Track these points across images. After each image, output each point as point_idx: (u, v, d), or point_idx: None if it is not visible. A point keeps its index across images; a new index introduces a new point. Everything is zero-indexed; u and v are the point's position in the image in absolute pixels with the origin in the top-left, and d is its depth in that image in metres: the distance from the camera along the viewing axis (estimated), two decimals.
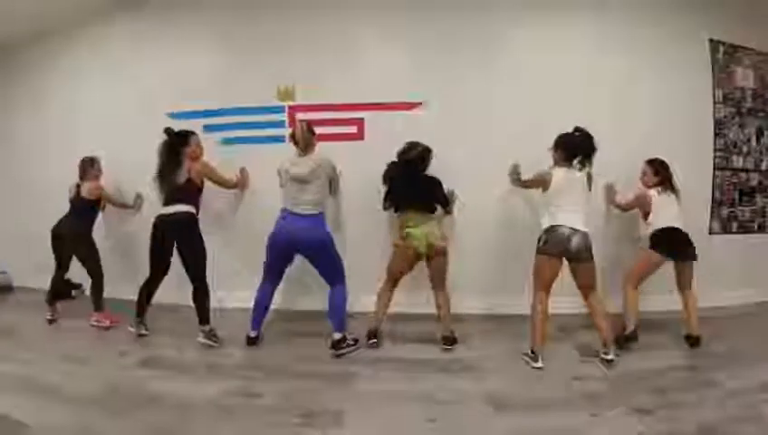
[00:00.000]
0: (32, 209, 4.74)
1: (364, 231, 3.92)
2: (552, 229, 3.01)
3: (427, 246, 3.24)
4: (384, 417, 2.44)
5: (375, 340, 3.34)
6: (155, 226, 3.38)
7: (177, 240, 3.36)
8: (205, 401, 2.59)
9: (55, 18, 4.56)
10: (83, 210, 3.91)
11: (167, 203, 3.37)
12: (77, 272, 4.05)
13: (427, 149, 3.41)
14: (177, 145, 3.42)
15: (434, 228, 3.27)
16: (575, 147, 3.12)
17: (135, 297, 3.56)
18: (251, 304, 3.37)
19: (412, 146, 3.40)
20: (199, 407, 2.53)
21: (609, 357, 2.98)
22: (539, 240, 3.06)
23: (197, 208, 3.46)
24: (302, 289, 3.97)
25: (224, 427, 2.35)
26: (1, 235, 5.00)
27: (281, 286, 3.46)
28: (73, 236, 3.85)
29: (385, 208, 3.53)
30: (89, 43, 4.65)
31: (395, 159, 3.43)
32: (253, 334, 3.32)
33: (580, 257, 2.99)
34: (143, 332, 3.52)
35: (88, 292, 3.96)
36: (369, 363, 3.09)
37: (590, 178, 3.14)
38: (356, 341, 3.26)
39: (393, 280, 3.42)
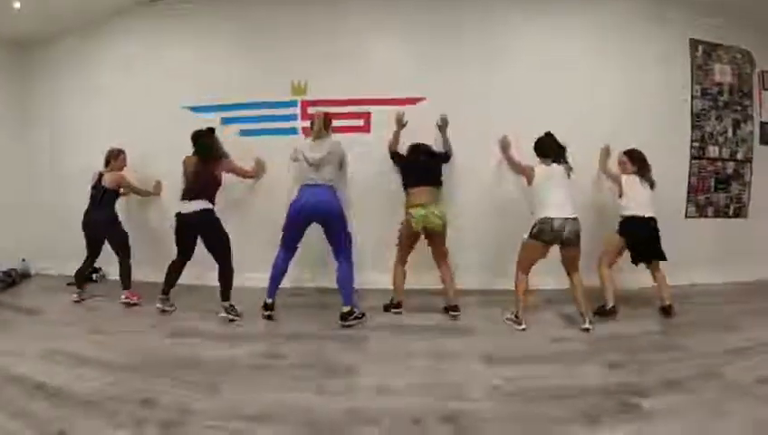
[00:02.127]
0: (51, 199, 5.01)
1: (371, 215, 4.23)
2: (545, 220, 3.35)
3: (422, 227, 3.58)
4: (392, 368, 2.83)
5: (399, 310, 3.76)
6: (178, 221, 3.66)
7: (202, 235, 3.69)
8: (235, 361, 2.92)
9: (78, 13, 4.71)
10: (104, 198, 4.10)
11: (188, 198, 3.63)
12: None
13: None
14: (207, 145, 3.70)
15: (434, 210, 3.58)
16: (546, 148, 3.53)
17: (156, 280, 3.90)
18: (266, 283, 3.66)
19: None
20: (231, 366, 2.85)
21: (586, 326, 3.36)
22: (532, 227, 3.40)
23: (214, 201, 3.73)
24: (314, 267, 4.30)
25: (256, 381, 2.69)
26: (20, 223, 5.12)
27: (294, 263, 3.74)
28: (104, 223, 4.09)
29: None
30: (108, 38, 4.84)
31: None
32: (269, 301, 3.62)
33: (570, 242, 3.36)
34: (168, 308, 3.81)
35: (107, 275, 4.28)
36: (378, 329, 3.47)
37: (569, 168, 3.50)
38: (363, 314, 3.59)
39: (404, 252, 3.77)
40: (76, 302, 4.13)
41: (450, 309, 3.70)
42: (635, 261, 3.78)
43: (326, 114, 3.69)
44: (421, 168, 3.71)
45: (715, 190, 4.68)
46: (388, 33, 4.41)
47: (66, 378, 2.69)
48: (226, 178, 3.91)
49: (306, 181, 3.55)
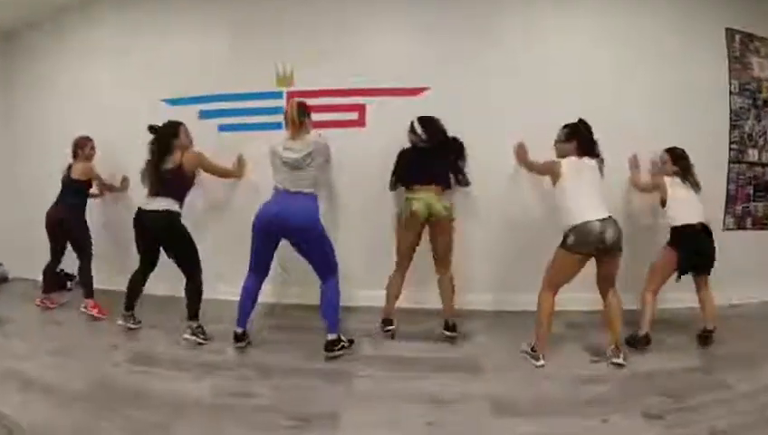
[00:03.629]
0: (28, 200, 4.64)
1: (363, 222, 3.81)
2: (582, 226, 2.79)
3: (427, 214, 3.08)
4: (380, 417, 2.34)
5: (391, 327, 3.25)
6: (136, 219, 3.26)
7: (160, 239, 3.27)
8: (194, 398, 2.49)
9: (50, 4, 4.51)
10: (74, 191, 3.87)
11: (151, 194, 3.26)
12: (71, 263, 4.03)
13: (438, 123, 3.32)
14: (165, 136, 3.30)
15: (437, 199, 3.10)
16: (581, 136, 2.99)
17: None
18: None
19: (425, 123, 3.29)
20: (189, 404, 2.43)
21: (619, 361, 2.84)
22: (565, 237, 2.85)
23: (183, 202, 3.33)
24: (299, 281, 3.80)
25: (215, 425, 2.26)
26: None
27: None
28: (66, 217, 3.80)
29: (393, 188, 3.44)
30: (83, 29, 4.57)
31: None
32: (239, 331, 3.11)
33: (614, 247, 2.81)
34: (132, 325, 3.43)
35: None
36: (366, 361, 2.97)
37: (602, 162, 2.99)
38: (351, 341, 3.11)
39: (403, 259, 3.27)
40: (38, 306, 3.93)
41: (448, 329, 3.19)
42: (680, 275, 3.26)
43: (300, 103, 3.14)
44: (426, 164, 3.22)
45: (755, 199, 4.21)
46: (386, 15, 3.95)
47: (15, 404, 2.41)
48: (205, 178, 3.57)
49: (279, 185, 3.04)
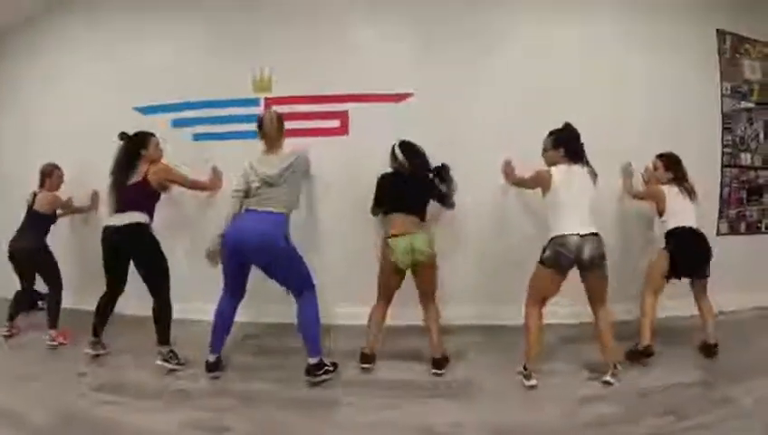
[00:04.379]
0: None
1: (344, 234, 3.70)
2: (559, 239, 2.70)
3: (410, 262, 2.91)
4: None
5: (369, 365, 3.01)
6: (104, 238, 3.11)
7: (130, 254, 3.11)
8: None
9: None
10: (37, 222, 3.77)
11: (116, 210, 3.10)
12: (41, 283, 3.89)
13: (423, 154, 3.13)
14: (133, 147, 3.16)
15: (419, 239, 2.92)
16: (568, 142, 2.86)
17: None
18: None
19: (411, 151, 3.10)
20: None
21: (609, 379, 2.72)
22: (543, 250, 2.76)
23: (151, 215, 3.18)
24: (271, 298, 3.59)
25: None
26: None
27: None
28: (30, 252, 3.70)
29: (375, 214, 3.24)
30: (55, 35, 4.47)
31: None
32: (212, 359, 2.91)
33: (593, 265, 2.71)
34: (99, 351, 3.26)
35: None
36: (351, 387, 2.79)
37: (594, 174, 2.87)
38: (335, 365, 2.92)
39: (384, 296, 3.08)
40: (5, 336, 3.72)
41: (434, 365, 2.97)
42: (677, 276, 3.19)
43: (279, 114, 3.03)
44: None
45: (747, 203, 4.18)
46: (369, 18, 3.88)
47: None
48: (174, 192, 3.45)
49: (251, 205, 2.88)
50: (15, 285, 3.82)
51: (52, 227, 3.86)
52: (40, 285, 3.91)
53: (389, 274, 2.97)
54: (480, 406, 2.57)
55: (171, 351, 3.04)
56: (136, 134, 3.20)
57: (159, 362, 2.99)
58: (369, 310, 3.08)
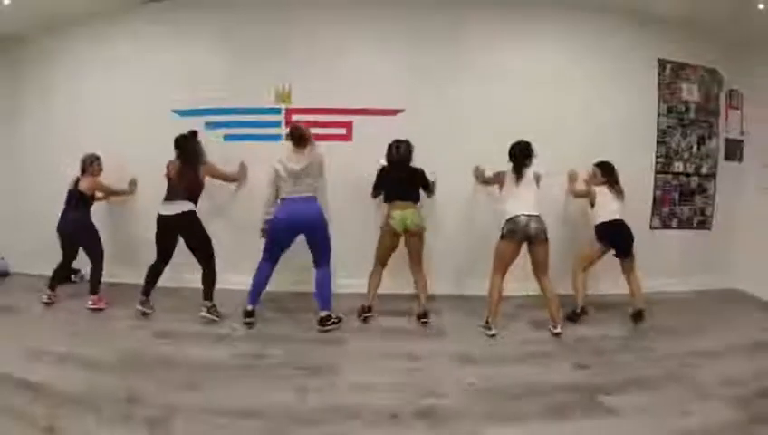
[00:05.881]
0: (31, 196, 4.97)
1: (351, 220, 4.30)
2: (512, 219, 3.50)
3: (403, 228, 3.72)
4: (370, 368, 2.96)
5: (369, 313, 3.84)
6: (160, 221, 3.70)
7: (183, 235, 3.76)
8: (217, 361, 3.00)
9: (62, 13, 4.67)
10: (80, 202, 4.12)
11: (170, 199, 3.72)
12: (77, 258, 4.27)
13: (409, 143, 3.86)
14: (187, 148, 3.79)
15: (412, 214, 3.73)
16: (515, 154, 3.67)
17: (129, 281, 4.07)
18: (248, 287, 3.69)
19: (399, 144, 3.84)
20: (214, 366, 2.94)
21: (557, 331, 3.51)
22: (502, 228, 3.56)
23: (196, 204, 3.81)
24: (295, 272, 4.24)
25: (239, 379, 2.78)
26: (1, 220, 5.12)
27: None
28: (78, 229, 4.09)
29: (375, 196, 4.00)
30: (93, 40, 4.81)
31: (384, 162, 3.89)
32: (249, 308, 3.63)
33: (538, 239, 3.49)
34: (147, 310, 3.80)
35: (85, 277, 4.23)
36: (356, 331, 3.58)
37: (537, 176, 3.67)
38: (339, 318, 3.69)
39: (381, 261, 3.88)
40: (46, 303, 4.08)
41: (420, 316, 3.79)
42: (604, 252, 3.95)
43: (300, 128, 3.71)
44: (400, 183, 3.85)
45: (680, 203, 4.90)
46: (369, 47, 4.54)
47: (50, 376, 2.71)
48: (210, 182, 4.00)
49: (289, 194, 3.60)
50: (53, 263, 4.16)
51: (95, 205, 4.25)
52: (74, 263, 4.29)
53: (387, 238, 3.79)
54: (450, 343, 3.39)
55: (213, 305, 3.73)
56: (190, 137, 3.81)
57: (203, 314, 3.66)
58: (367, 279, 3.88)
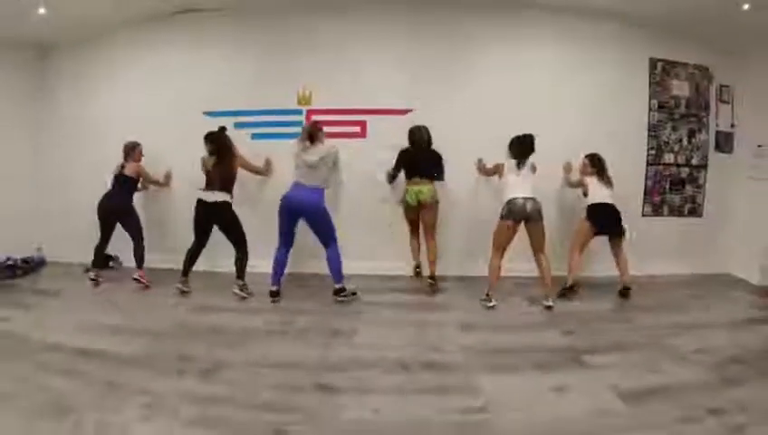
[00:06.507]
0: (65, 191, 5.36)
1: (364, 207, 4.81)
2: (511, 201, 3.91)
3: (416, 201, 4.28)
4: (384, 332, 3.45)
5: (419, 270, 4.66)
6: (198, 209, 4.12)
7: (219, 221, 4.19)
8: (254, 328, 3.49)
9: (97, 23, 5.03)
10: (126, 185, 4.54)
11: (208, 189, 4.14)
12: (113, 244, 4.69)
13: (427, 128, 4.46)
14: (222, 143, 4.23)
15: (427, 189, 4.29)
16: (520, 145, 4.08)
17: (165, 266, 4.60)
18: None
19: (418, 129, 4.44)
20: (251, 331, 3.42)
21: (549, 304, 3.94)
22: (502, 210, 3.96)
23: (232, 194, 4.25)
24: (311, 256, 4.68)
25: (275, 340, 3.29)
26: (37, 213, 5.42)
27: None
28: (121, 208, 4.49)
29: (391, 181, 4.58)
30: (128, 47, 5.20)
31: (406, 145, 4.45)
32: (274, 288, 4.14)
33: (534, 218, 3.91)
34: (186, 289, 4.22)
35: (123, 263, 4.71)
36: (370, 305, 4.04)
37: (533, 166, 4.07)
38: (354, 293, 4.16)
39: (412, 228, 4.51)
40: (93, 280, 4.47)
41: (430, 278, 4.36)
42: (601, 233, 4.31)
43: (313, 125, 4.22)
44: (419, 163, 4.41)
45: (670, 192, 5.25)
46: (382, 54, 4.96)
47: (106, 344, 3.13)
48: (241, 174, 4.44)
49: (298, 180, 4.04)
50: (84, 252, 4.61)
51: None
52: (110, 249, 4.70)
53: (408, 212, 4.47)
54: (455, 313, 3.86)
55: (245, 284, 4.19)
56: (219, 133, 4.21)
57: (236, 291, 4.14)
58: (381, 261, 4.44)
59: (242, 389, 2.58)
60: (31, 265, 5.18)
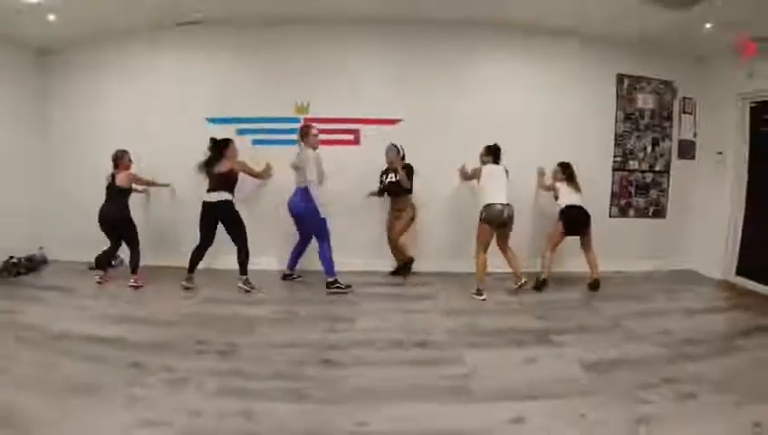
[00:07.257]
0: (69, 193, 5.52)
1: (357, 211, 5.20)
2: (489, 206, 4.34)
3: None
4: (379, 318, 3.86)
5: (412, 260, 5.06)
6: (202, 209, 4.38)
7: (222, 220, 4.43)
8: (261, 316, 3.84)
9: (107, 28, 5.18)
10: (118, 195, 4.56)
11: (211, 190, 4.40)
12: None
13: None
14: (219, 148, 4.50)
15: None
16: (492, 152, 4.59)
17: (163, 264, 4.99)
18: (274, 267, 4.65)
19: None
20: (259, 319, 3.77)
21: (521, 281, 4.47)
22: (481, 214, 4.38)
23: (233, 193, 4.48)
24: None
25: (281, 326, 3.66)
26: (40, 213, 5.57)
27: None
28: (117, 220, 4.56)
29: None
30: (137, 52, 5.40)
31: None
32: (287, 272, 4.69)
33: (508, 223, 4.38)
34: (191, 285, 4.46)
35: (124, 262, 4.81)
36: (365, 296, 4.44)
37: (505, 170, 4.53)
38: (348, 286, 4.52)
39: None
40: (98, 283, 4.61)
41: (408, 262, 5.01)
42: (570, 233, 4.73)
43: (301, 126, 4.69)
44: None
45: (636, 196, 5.72)
46: (375, 68, 5.34)
47: (124, 332, 3.38)
48: (242, 177, 4.72)
49: (295, 183, 4.54)
50: (85, 251, 4.86)
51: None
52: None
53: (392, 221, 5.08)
54: (438, 304, 4.28)
55: (248, 279, 4.52)
56: (221, 139, 4.52)
57: (240, 286, 4.47)
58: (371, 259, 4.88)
59: (257, 364, 2.96)
60: (34, 264, 5.33)
